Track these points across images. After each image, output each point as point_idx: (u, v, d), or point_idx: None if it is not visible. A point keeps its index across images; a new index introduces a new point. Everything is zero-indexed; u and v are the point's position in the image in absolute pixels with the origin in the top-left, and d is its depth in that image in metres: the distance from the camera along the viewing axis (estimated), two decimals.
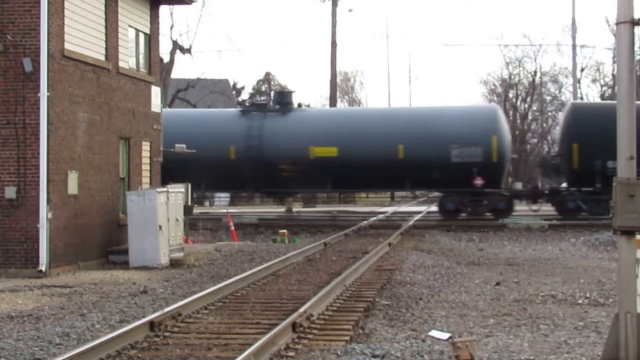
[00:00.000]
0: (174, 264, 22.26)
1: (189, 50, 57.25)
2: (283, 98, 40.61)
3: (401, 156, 37.38)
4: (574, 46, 55.99)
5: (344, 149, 37.53)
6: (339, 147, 37.63)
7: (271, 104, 41.59)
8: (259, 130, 38.43)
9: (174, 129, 38.19)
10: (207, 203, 64.17)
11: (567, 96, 79.06)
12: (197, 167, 37.57)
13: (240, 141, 38.35)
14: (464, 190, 37.53)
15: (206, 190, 43.25)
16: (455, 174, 36.96)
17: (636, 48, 10.50)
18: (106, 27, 22.73)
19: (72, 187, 20.86)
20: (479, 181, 36.89)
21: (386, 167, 37.46)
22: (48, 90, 19.61)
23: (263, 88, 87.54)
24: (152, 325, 11.70)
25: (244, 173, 38.29)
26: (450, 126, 37.59)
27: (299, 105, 40.88)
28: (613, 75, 73.08)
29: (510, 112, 78.79)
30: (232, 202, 61.64)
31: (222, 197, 62.73)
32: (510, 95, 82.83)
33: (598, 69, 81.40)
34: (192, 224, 31.93)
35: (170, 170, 37.89)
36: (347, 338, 11.41)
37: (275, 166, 38.13)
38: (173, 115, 40.27)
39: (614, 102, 11.03)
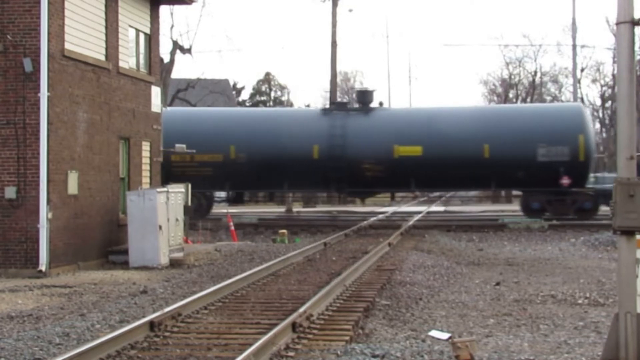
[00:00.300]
0: (174, 264, 22.26)
1: (189, 50, 57.20)
2: (364, 97, 40.33)
3: (487, 155, 37.15)
4: (574, 46, 55.96)
5: (428, 148, 37.24)
6: (424, 147, 37.37)
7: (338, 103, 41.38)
8: (341, 129, 38.12)
9: (253, 128, 38.36)
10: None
11: (567, 96, 79.11)
12: (279, 167, 37.65)
13: (323, 140, 38.06)
14: (549, 190, 37.46)
15: (289, 189, 42.88)
16: (541, 173, 36.87)
17: (636, 48, 10.50)
18: (106, 27, 22.73)
19: (72, 187, 20.86)
20: (565, 180, 36.76)
21: (471, 167, 37.26)
22: (48, 90, 19.61)
23: (263, 88, 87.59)
24: (152, 325, 11.70)
25: (328, 173, 38.05)
26: (536, 125, 37.51)
27: (380, 104, 40.76)
28: (613, 75, 73.09)
29: None
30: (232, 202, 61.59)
31: (223, 197, 62.68)
32: (510, 95, 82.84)
33: (598, 69, 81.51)
34: (192, 224, 31.92)
35: (254, 171, 38.11)
36: (347, 338, 11.41)
37: (359, 166, 37.89)
38: (251, 114, 40.21)
39: None
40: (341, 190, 40.80)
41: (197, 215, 39.34)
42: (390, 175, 38.02)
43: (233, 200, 44.79)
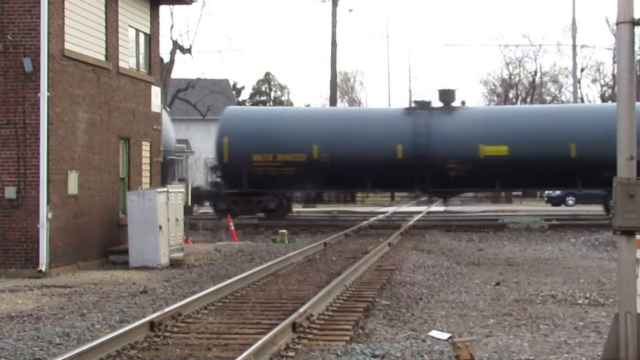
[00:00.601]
0: (174, 264, 22.26)
1: (189, 50, 57.23)
2: (447, 96, 40.16)
3: (573, 155, 36.92)
4: (574, 46, 56.01)
5: (514, 148, 36.94)
6: (510, 146, 37.12)
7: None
8: (425, 128, 37.97)
9: (336, 127, 38.34)
10: (207, 203, 64.09)
11: (567, 96, 79.13)
12: (362, 167, 37.60)
13: (407, 140, 37.88)
14: None
15: (372, 189, 42.81)
16: None
17: (636, 48, 10.50)
18: (106, 27, 22.73)
19: (72, 187, 20.86)
20: None
21: (557, 166, 37.08)
22: (48, 90, 19.61)
23: (263, 88, 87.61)
24: (152, 325, 11.70)
25: (412, 172, 37.91)
26: None
27: (462, 103, 40.65)
28: (613, 75, 73.12)
29: None
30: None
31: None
32: (511, 95, 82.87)
33: (598, 69, 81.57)
34: (192, 224, 31.91)
35: (337, 170, 38.09)
36: (347, 338, 11.41)
37: (443, 165, 37.74)
38: (334, 114, 40.34)
39: None
40: (424, 190, 40.54)
41: (276, 215, 39.39)
42: (475, 175, 37.86)
43: (312, 200, 44.75)
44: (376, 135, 38.04)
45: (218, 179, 40.74)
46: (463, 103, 40.37)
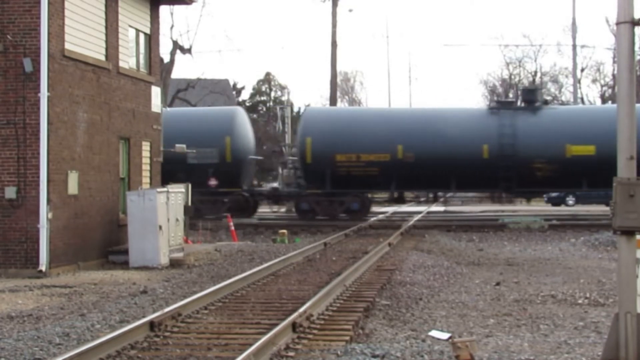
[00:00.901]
0: (174, 264, 22.25)
1: (189, 50, 57.24)
2: (531, 95, 40.07)
3: None
4: (574, 46, 56.01)
5: (602, 148, 36.47)
6: (597, 146, 36.90)
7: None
8: (511, 128, 37.89)
9: (420, 127, 38.30)
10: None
11: (567, 96, 79.09)
12: (447, 167, 37.57)
13: (493, 140, 37.81)
14: None
15: (456, 190, 42.74)
16: None
17: (636, 48, 10.50)
18: (106, 27, 22.73)
19: (72, 187, 20.86)
20: None
21: None
22: (48, 90, 19.61)
23: (263, 88, 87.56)
24: (152, 325, 11.70)
25: (497, 172, 37.82)
26: None
27: (545, 102, 40.41)
28: (613, 75, 73.09)
29: None
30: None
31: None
32: (511, 95, 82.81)
33: (598, 69, 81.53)
34: (192, 224, 31.92)
35: (421, 171, 38.06)
36: (347, 338, 11.42)
37: (529, 165, 37.64)
38: (418, 113, 40.39)
39: None
40: (509, 190, 40.43)
41: (358, 216, 39.34)
42: (562, 175, 37.79)
43: (394, 200, 44.71)
44: (460, 134, 37.99)
45: (299, 180, 40.72)
46: (546, 102, 40.32)
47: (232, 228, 32.58)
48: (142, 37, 25.52)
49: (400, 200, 45.33)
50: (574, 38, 56.12)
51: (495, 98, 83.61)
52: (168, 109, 41.63)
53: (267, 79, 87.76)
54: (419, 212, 48.14)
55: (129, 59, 24.46)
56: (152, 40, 26.21)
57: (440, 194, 49.24)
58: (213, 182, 39.31)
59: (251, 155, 41.88)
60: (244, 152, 40.57)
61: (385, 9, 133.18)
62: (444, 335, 11.85)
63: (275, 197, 43.38)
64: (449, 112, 41.38)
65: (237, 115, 41.90)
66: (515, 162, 37.40)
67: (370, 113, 42.50)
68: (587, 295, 16.12)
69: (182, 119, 41.32)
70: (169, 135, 39.22)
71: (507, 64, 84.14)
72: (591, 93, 79.69)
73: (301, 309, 12.47)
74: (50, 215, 19.66)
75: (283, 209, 45.94)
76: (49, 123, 19.64)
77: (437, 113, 41.07)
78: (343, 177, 38.48)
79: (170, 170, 38.54)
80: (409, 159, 37.98)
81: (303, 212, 40.03)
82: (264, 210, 46.42)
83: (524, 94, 40.72)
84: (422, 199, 66.29)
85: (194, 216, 38.90)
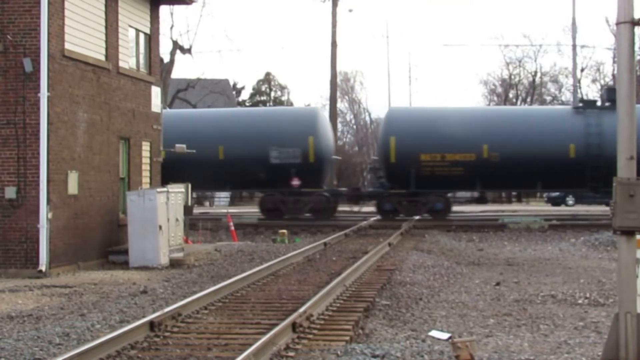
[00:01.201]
0: (174, 264, 22.26)
1: (189, 50, 57.27)
2: (614, 94, 40.00)
3: None
4: (574, 46, 55.93)
5: None
6: None
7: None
8: (597, 127, 37.81)
9: (505, 126, 38.20)
10: (206, 203, 64.16)
11: (567, 96, 79.10)
12: (533, 166, 37.49)
13: (579, 139, 37.78)
14: None
15: (542, 189, 42.07)
16: None
17: (636, 48, 10.50)
18: (106, 27, 22.73)
19: (72, 187, 20.86)
20: None
21: None
22: (48, 90, 19.61)
23: (263, 88, 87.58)
24: (152, 325, 11.70)
25: (585, 172, 37.78)
26: None
27: None
28: (613, 75, 73.08)
29: None
30: (232, 202, 61.62)
31: (222, 197, 62.72)
32: (511, 95, 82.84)
33: (598, 69, 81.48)
34: (192, 224, 31.92)
35: (507, 170, 37.95)
36: (347, 338, 11.41)
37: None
38: (502, 113, 40.27)
39: None
40: (596, 189, 40.11)
41: (442, 215, 39.27)
42: None
43: (475, 201, 44.74)
44: (546, 134, 37.95)
45: (381, 180, 40.59)
46: None
47: (232, 228, 32.59)
48: (142, 37, 25.52)
49: (482, 201, 45.21)
50: (574, 38, 56.06)
51: (495, 98, 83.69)
52: (242, 108, 41.57)
53: (267, 79, 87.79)
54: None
55: (129, 59, 24.47)
56: (152, 40, 26.22)
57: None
58: (296, 182, 39.11)
59: (332, 155, 41.78)
60: (326, 152, 40.30)
61: (385, 9, 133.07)
62: (444, 335, 11.86)
63: (356, 198, 43.18)
64: (534, 112, 41.26)
65: (319, 115, 41.66)
66: (603, 162, 37.01)
67: (454, 112, 42.03)
68: (587, 295, 16.12)
69: (259, 119, 41.04)
70: (248, 135, 39.28)
71: (507, 64, 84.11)
72: (591, 93, 79.60)
73: (301, 309, 12.47)
74: (50, 215, 19.66)
75: (364, 209, 45.54)
76: (49, 123, 19.64)
77: (522, 113, 41.00)
78: (427, 177, 38.29)
79: (254, 170, 38.79)
80: (494, 158, 37.93)
81: (386, 212, 39.76)
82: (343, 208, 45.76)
83: (608, 93, 40.44)
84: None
85: (272, 217, 38.91)
